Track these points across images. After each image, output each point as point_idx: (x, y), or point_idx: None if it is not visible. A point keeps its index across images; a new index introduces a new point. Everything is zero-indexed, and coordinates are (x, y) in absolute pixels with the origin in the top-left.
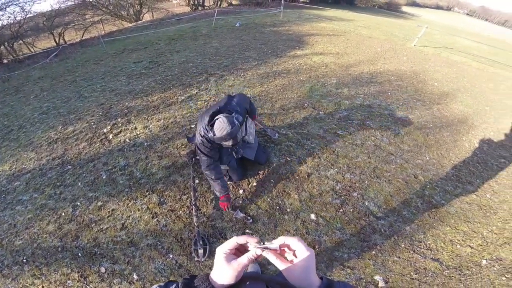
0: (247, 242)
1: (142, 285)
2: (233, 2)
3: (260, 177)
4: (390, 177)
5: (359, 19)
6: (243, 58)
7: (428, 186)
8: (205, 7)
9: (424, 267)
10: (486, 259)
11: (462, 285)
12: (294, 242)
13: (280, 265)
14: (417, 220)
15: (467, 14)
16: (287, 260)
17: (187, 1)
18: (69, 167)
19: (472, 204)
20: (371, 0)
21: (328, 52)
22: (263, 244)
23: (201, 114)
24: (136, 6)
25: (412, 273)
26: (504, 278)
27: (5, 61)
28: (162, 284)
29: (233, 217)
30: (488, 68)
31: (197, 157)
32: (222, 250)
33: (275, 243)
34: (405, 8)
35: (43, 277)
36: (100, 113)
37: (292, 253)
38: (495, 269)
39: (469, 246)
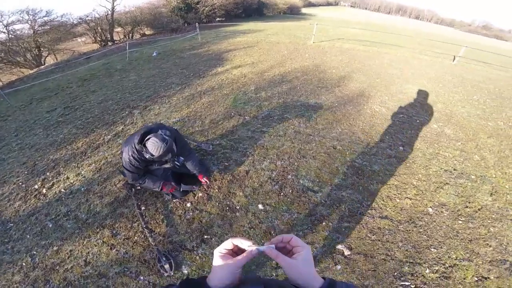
0: (242, 243)
1: None
2: (146, 32)
3: (204, 187)
4: (314, 154)
5: (268, 28)
6: (165, 85)
7: (347, 153)
8: (115, 42)
9: (377, 227)
10: (430, 207)
11: (425, 236)
12: (291, 240)
13: (282, 261)
14: (350, 185)
15: (351, 6)
16: (287, 257)
17: (94, 38)
18: (11, 224)
19: (391, 159)
20: (276, 7)
21: (245, 63)
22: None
23: (128, 138)
24: (33, 50)
25: (369, 234)
26: (460, 222)
27: None
28: (162, 286)
29: (181, 190)
30: (373, 49)
31: (138, 187)
32: (218, 250)
33: (272, 244)
34: (304, 10)
35: None
36: (26, 172)
37: (291, 249)
38: (445, 215)
39: (407, 198)
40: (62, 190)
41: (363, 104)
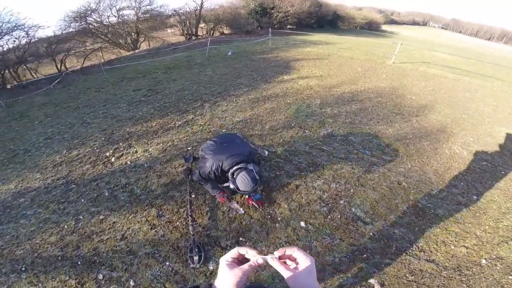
0: (247, 253)
1: None
2: (225, 31)
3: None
4: (374, 185)
5: (342, 41)
6: (235, 85)
7: (412, 191)
8: (199, 37)
9: (419, 269)
10: (485, 259)
11: (465, 285)
12: (294, 252)
13: (285, 272)
14: (405, 224)
15: (442, 27)
16: (291, 268)
17: (182, 31)
18: (73, 186)
19: (460, 206)
20: (353, 22)
21: (312, 75)
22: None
23: (218, 151)
24: (133, 35)
25: (407, 275)
26: (510, 277)
27: (8, 86)
28: None
29: (227, 206)
30: (464, 79)
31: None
32: (225, 258)
33: (275, 254)
34: (384, 27)
35: (40, 284)
36: (103, 138)
37: (294, 261)
38: (497, 268)
39: (464, 246)
40: (128, 162)
41: (442, 142)
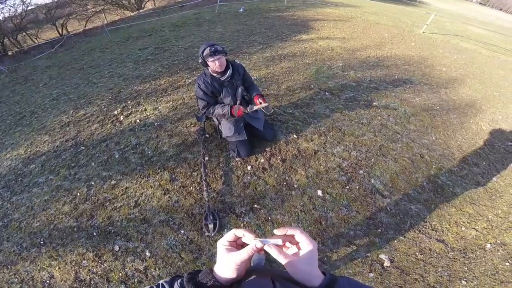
0: (244, 235)
1: (154, 262)
2: None
3: (267, 154)
4: (396, 156)
5: (366, 5)
6: (248, 42)
7: (434, 166)
8: None
9: (429, 248)
10: (490, 243)
11: (466, 268)
12: (297, 234)
13: (283, 260)
14: (422, 200)
15: (480, 3)
16: (289, 254)
17: None
18: (83, 148)
19: (478, 186)
20: None
21: (334, 36)
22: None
23: None
24: None
25: (417, 253)
26: (507, 264)
27: (9, 53)
28: (167, 279)
29: (250, 111)
30: (500, 56)
31: (206, 135)
32: (222, 242)
33: (276, 238)
34: None
35: (60, 258)
36: (110, 97)
37: (295, 245)
38: (499, 253)
39: (474, 228)
40: (138, 121)
41: (469, 117)
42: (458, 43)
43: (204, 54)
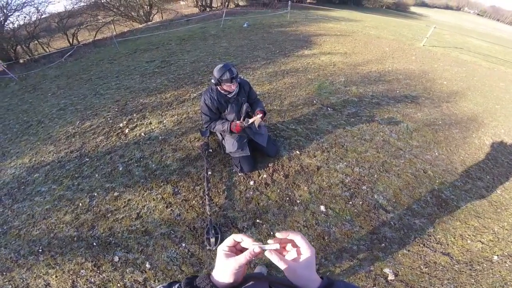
0: (242, 240)
1: (154, 274)
2: (240, 3)
3: (270, 169)
4: (399, 172)
5: (367, 20)
6: (252, 57)
7: (437, 181)
8: (213, 8)
9: (434, 261)
10: (497, 255)
11: (473, 280)
12: (297, 239)
13: (283, 265)
14: (426, 214)
15: (478, 14)
16: (289, 260)
17: (195, 2)
18: (87, 159)
19: (483, 200)
20: (379, 0)
21: (336, 51)
22: (262, 244)
23: None
24: (145, 7)
25: (422, 266)
26: None
27: (21, 60)
28: (165, 284)
29: (246, 125)
30: (499, 68)
31: (210, 150)
32: (222, 247)
33: (275, 242)
34: (413, 9)
35: (57, 267)
36: (116, 109)
37: (295, 250)
38: (506, 265)
39: (480, 241)
40: (143, 134)
41: (472, 131)
42: (458, 56)
43: (224, 79)
